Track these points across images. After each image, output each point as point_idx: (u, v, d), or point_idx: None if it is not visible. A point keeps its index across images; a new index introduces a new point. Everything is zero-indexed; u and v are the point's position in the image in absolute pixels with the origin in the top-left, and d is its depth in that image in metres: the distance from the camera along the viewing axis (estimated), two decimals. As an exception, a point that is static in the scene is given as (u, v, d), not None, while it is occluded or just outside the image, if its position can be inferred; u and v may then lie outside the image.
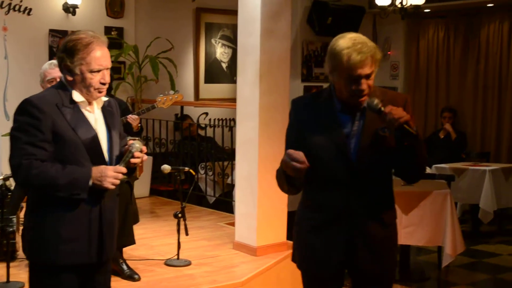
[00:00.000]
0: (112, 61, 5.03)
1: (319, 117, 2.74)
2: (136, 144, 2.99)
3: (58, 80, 3.40)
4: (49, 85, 3.81)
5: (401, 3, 7.61)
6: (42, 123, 2.72)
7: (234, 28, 8.40)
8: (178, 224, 4.87)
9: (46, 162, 2.75)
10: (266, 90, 4.99)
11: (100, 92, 2.87)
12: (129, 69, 8.18)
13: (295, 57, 9.53)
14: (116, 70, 8.07)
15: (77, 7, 7.90)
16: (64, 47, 2.82)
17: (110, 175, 2.79)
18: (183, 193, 5.38)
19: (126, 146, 2.98)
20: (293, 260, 2.97)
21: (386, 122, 2.59)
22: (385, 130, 2.69)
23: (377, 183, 2.79)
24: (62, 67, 2.85)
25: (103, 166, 2.82)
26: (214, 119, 8.32)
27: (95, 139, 2.82)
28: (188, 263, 4.93)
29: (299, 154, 2.50)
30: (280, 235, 5.20)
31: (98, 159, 2.85)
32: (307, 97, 3.00)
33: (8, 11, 7.40)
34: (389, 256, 2.86)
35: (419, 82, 10.39)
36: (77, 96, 2.83)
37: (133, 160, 2.92)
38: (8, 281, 4.34)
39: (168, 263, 4.92)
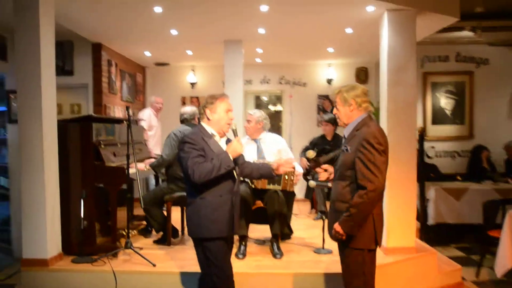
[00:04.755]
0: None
1: None
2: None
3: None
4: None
5: None
6: (197, 146, 3.18)
7: (455, 84, 8.84)
8: (323, 221, 5.13)
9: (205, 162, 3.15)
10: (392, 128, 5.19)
11: (227, 127, 3.31)
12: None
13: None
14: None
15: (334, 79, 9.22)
16: (208, 100, 3.28)
17: (235, 144, 3.25)
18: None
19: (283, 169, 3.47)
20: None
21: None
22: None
23: None
24: (206, 112, 3.28)
25: (229, 144, 3.25)
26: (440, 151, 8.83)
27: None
28: (329, 252, 5.11)
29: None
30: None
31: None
32: None
33: (293, 85, 9.42)
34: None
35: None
36: (212, 130, 3.28)
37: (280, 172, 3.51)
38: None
39: (316, 251, 5.18)
